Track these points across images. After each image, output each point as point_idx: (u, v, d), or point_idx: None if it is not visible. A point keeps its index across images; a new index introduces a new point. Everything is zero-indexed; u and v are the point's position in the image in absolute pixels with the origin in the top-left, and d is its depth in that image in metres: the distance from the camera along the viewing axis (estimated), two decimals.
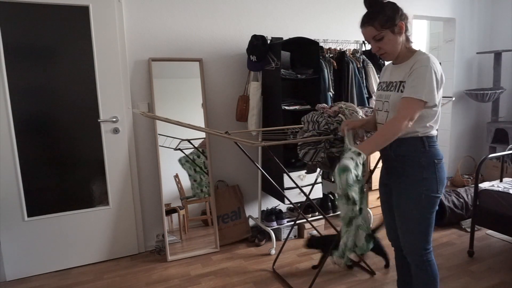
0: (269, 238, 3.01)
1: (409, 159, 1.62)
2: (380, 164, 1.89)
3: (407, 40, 1.61)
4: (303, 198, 2.96)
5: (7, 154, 2.49)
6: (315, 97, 3.02)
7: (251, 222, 3.28)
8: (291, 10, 3.34)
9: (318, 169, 2.34)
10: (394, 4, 1.59)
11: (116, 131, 2.76)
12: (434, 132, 1.61)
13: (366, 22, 1.58)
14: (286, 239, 2.78)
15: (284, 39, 2.95)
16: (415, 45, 1.66)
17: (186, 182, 2.99)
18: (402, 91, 1.55)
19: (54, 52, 2.58)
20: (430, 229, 1.66)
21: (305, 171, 2.41)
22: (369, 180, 3.00)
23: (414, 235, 1.66)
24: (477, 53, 4.47)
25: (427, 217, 1.63)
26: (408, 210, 1.65)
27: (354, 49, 3.42)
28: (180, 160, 2.94)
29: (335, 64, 3.16)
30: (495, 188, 2.67)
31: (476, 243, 2.81)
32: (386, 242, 2.17)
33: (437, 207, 1.64)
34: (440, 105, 1.59)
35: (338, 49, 3.31)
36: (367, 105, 3.23)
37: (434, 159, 1.60)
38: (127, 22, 2.75)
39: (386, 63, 3.48)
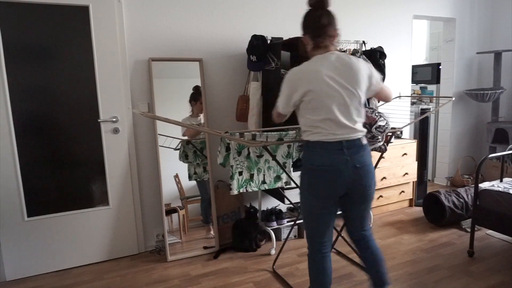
0: (269, 238, 3.01)
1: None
2: (380, 164, 1.89)
3: (314, 47, 1.71)
4: None
5: (7, 154, 2.49)
6: None
7: None
8: (291, 10, 3.34)
9: None
10: (308, 14, 1.72)
11: (116, 131, 2.76)
12: (312, 138, 1.67)
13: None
14: (286, 239, 2.78)
15: (284, 39, 2.95)
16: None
17: (186, 182, 2.99)
18: None
19: (54, 52, 2.58)
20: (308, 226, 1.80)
21: None
22: None
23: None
24: (477, 53, 4.47)
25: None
26: None
27: (354, 49, 3.41)
28: (181, 142, 2.95)
29: None
30: (495, 188, 2.67)
31: (476, 243, 2.81)
32: None
33: (313, 211, 1.72)
34: (307, 110, 1.67)
35: (338, 49, 3.30)
36: (367, 105, 3.23)
37: (308, 163, 1.69)
38: (127, 22, 2.75)
39: (387, 63, 3.47)
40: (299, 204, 1.84)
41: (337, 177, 1.62)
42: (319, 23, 1.66)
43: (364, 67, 1.71)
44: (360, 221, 1.85)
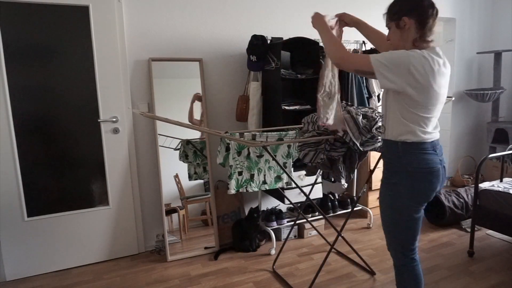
0: (269, 238, 3.01)
1: (387, 163, 1.66)
2: (380, 164, 1.89)
3: (419, 38, 1.53)
4: (303, 198, 2.96)
5: (7, 154, 2.49)
6: (315, 97, 3.01)
7: None
8: (291, 10, 3.34)
9: (318, 170, 2.34)
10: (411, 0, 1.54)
11: (116, 131, 2.76)
12: (413, 139, 1.53)
13: (387, 9, 1.61)
14: (286, 239, 2.78)
15: (284, 39, 2.95)
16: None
17: (186, 182, 2.99)
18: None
19: (54, 52, 2.58)
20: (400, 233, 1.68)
21: (305, 173, 2.42)
22: (369, 180, 3.00)
23: (385, 235, 1.74)
24: (477, 53, 4.47)
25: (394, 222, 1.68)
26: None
27: (354, 49, 3.41)
28: (182, 142, 2.95)
29: None
30: (495, 188, 2.67)
31: (476, 243, 2.81)
32: None
33: (414, 215, 1.63)
34: (426, 109, 1.52)
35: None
36: (367, 105, 3.23)
37: (408, 167, 1.56)
38: (127, 22, 2.75)
39: None
40: (384, 214, 1.70)
41: (437, 178, 1.59)
42: (434, 14, 1.52)
43: None
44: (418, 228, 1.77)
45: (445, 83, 1.56)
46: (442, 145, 1.64)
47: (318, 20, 1.72)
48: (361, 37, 3.65)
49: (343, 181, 2.34)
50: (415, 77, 1.45)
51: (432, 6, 1.52)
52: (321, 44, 3.13)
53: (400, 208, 1.62)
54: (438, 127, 1.61)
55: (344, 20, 1.89)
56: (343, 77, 3.17)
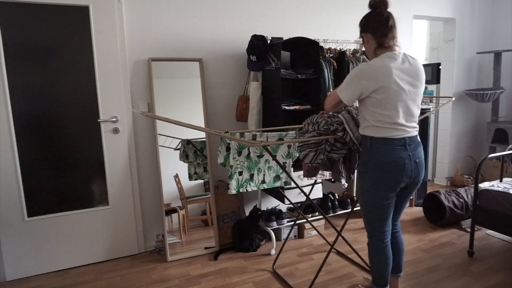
0: (269, 238, 3.01)
1: (361, 154, 1.91)
2: None
3: (378, 47, 1.79)
4: (303, 198, 2.96)
5: (7, 154, 2.49)
6: (315, 97, 3.02)
7: None
8: (291, 10, 3.34)
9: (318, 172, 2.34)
10: (371, 15, 1.82)
11: (116, 131, 2.76)
12: (379, 135, 1.77)
13: None
14: (286, 239, 2.78)
15: (284, 39, 2.95)
16: (402, 47, 1.82)
17: (186, 182, 2.99)
18: None
19: (54, 52, 2.58)
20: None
21: (304, 174, 2.42)
22: None
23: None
24: (477, 53, 4.47)
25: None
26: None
27: (354, 49, 3.42)
28: (182, 142, 2.95)
29: (335, 64, 3.15)
30: (495, 188, 2.67)
31: (476, 243, 2.81)
32: None
33: (380, 202, 1.83)
34: (379, 106, 1.74)
35: (338, 49, 3.31)
36: None
37: (373, 159, 1.79)
38: (127, 22, 2.75)
39: None
40: (359, 197, 1.94)
41: (402, 171, 1.77)
42: (387, 24, 1.77)
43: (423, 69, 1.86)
44: (400, 211, 2.02)
45: (405, 78, 1.74)
46: (420, 144, 1.84)
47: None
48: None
49: (343, 181, 2.34)
50: (366, 83, 1.72)
51: (388, 19, 1.77)
52: (321, 44, 3.14)
53: (366, 194, 1.86)
54: (412, 125, 1.80)
55: None
56: (343, 77, 3.16)
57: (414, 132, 1.81)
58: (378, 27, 1.77)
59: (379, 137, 1.77)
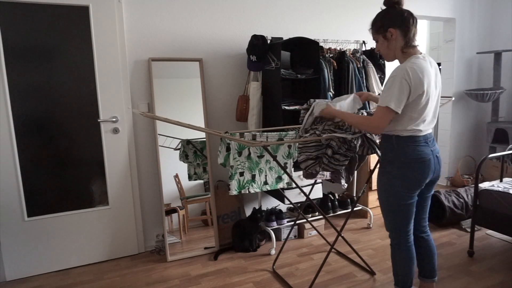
0: (269, 238, 3.01)
1: (383, 153, 1.86)
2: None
3: (406, 45, 1.72)
4: (303, 198, 2.96)
5: (7, 154, 2.49)
6: (315, 97, 3.01)
7: None
8: (291, 10, 3.34)
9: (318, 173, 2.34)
10: (393, 11, 1.73)
11: (116, 131, 2.76)
12: (405, 133, 1.73)
13: (371, 24, 1.82)
14: (286, 239, 2.78)
15: (284, 39, 2.95)
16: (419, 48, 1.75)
17: (186, 182, 2.99)
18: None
19: (54, 52, 2.58)
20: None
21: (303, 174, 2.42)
22: (369, 180, 3.00)
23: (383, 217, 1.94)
24: (477, 53, 4.47)
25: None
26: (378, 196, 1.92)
27: (354, 49, 3.42)
28: (182, 142, 2.95)
29: (335, 64, 3.15)
30: (495, 188, 2.67)
31: (476, 243, 2.81)
32: None
33: (406, 201, 1.80)
34: (413, 110, 1.69)
35: (338, 49, 3.31)
36: (367, 105, 3.23)
37: (401, 157, 1.76)
38: (127, 22, 2.75)
39: (387, 63, 3.48)
40: (382, 199, 1.89)
41: (428, 167, 1.77)
42: (414, 22, 1.71)
43: None
44: (426, 210, 1.98)
45: (433, 81, 1.72)
46: (435, 139, 1.86)
47: (331, 113, 1.93)
48: (360, 37, 3.66)
49: (342, 182, 2.34)
50: (416, 88, 1.64)
51: (412, 15, 1.72)
52: (321, 44, 3.14)
53: (393, 194, 1.81)
54: (432, 123, 1.79)
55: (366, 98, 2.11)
56: (343, 77, 3.18)
57: (431, 129, 1.82)
58: (411, 25, 1.71)
59: (405, 135, 1.74)
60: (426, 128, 1.76)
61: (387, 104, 1.63)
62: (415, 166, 1.75)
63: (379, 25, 1.75)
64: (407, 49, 1.72)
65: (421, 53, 1.73)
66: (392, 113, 1.64)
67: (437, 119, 1.84)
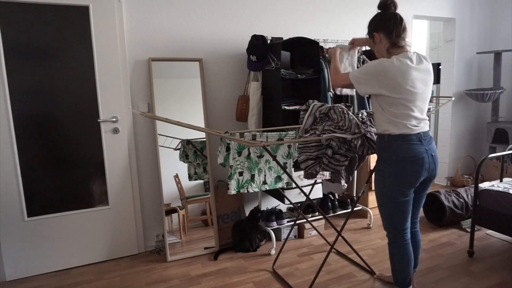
0: (269, 238, 3.01)
1: (377, 152, 1.93)
2: None
3: (391, 46, 1.83)
4: (303, 198, 2.96)
5: (7, 154, 2.49)
6: (315, 97, 3.02)
7: None
8: (291, 10, 3.34)
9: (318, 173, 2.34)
10: (379, 15, 1.87)
11: (116, 131, 2.76)
12: (397, 132, 1.79)
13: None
14: (286, 239, 2.78)
15: (284, 39, 2.95)
16: (412, 47, 1.84)
17: (186, 182, 2.99)
18: None
19: (54, 52, 2.58)
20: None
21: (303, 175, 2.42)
22: (369, 180, 3.00)
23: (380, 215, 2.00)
24: (477, 53, 4.47)
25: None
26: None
27: None
28: (182, 142, 2.95)
29: None
30: (495, 188, 2.67)
31: (476, 243, 2.81)
32: None
33: (400, 199, 1.84)
34: (393, 106, 1.78)
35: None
36: (367, 105, 3.23)
37: (393, 155, 1.81)
38: (127, 22, 2.75)
39: None
40: (378, 197, 1.95)
41: (422, 166, 1.81)
42: (401, 25, 1.82)
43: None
44: (419, 207, 2.06)
45: (420, 78, 1.78)
46: (433, 138, 1.89)
47: (331, 52, 2.17)
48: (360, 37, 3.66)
49: (342, 182, 2.34)
50: (384, 81, 1.74)
51: (395, 17, 1.82)
52: (321, 44, 3.14)
53: (387, 191, 1.86)
54: (424, 120, 1.84)
55: (358, 44, 2.27)
56: None
57: (427, 127, 1.85)
58: (393, 27, 1.81)
59: (397, 134, 1.79)
60: (417, 126, 1.79)
61: (351, 77, 1.86)
62: (407, 164, 1.79)
63: (368, 31, 1.92)
64: (392, 50, 1.83)
65: (409, 52, 1.80)
66: (348, 80, 1.87)
67: (429, 118, 1.91)
